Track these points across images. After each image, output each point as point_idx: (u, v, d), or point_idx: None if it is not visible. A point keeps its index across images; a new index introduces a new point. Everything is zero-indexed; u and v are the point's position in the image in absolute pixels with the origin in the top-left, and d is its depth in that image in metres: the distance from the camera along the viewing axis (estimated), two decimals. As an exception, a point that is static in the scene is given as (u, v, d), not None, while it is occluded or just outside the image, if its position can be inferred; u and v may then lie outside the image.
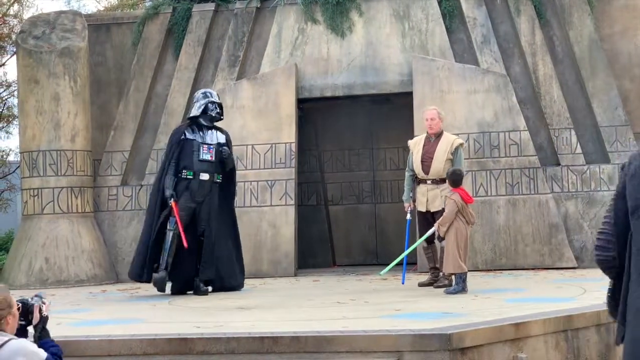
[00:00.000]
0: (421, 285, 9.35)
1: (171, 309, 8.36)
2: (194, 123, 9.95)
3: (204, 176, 9.76)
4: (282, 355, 5.70)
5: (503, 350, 5.90)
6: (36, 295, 4.52)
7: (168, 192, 9.63)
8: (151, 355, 5.89)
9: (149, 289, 11.14)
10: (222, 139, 10.01)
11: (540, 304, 7.30)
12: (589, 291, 8.33)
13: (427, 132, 9.51)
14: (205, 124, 9.92)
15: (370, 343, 5.65)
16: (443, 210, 8.81)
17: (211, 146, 9.87)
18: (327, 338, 5.72)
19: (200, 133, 9.88)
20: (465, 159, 10.17)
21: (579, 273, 10.91)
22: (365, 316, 6.97)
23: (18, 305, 4.30)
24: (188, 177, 9.72)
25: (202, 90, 10.26)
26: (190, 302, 8.87)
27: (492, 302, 7.74)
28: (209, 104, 9.91)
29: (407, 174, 9.64)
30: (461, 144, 9.46)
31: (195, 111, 9.93)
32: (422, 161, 9.34)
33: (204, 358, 5.81)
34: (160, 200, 9.73)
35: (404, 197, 9.62)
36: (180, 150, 9.78)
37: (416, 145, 9.53)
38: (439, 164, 9.27)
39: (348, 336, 5.73)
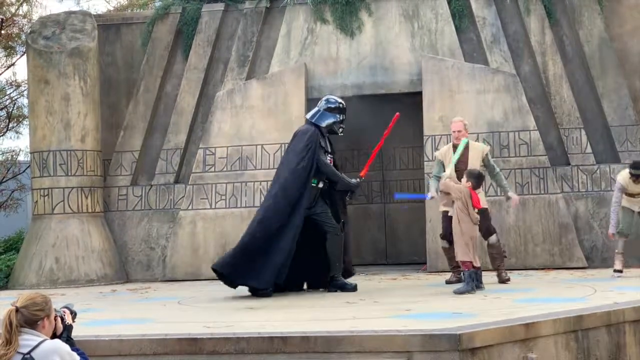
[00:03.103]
0: (448, 282, 9.72)
1: (181, 309, 8.38)
2: (318, 128, 9.47)
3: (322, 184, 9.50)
4: (292, 356, 5.70)
5: (513, 350, 5.89)
6: (64, 307, 4.55)
7: (354, 180, 9.49)
8: (161, 355, 5.90)
9: (158, 288, 11.21)
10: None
11: (550, 304, 7.28)
12: (599, 291, 8.31)
13: (453, 142, 9.90)
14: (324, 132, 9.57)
15: (380, 343, 5.65)
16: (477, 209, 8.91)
17: (330, 155, 9.66)
18: (336, 338, 5.72)
19: (325, 141, 9.56)
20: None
21: (589, 273, 10.87)
22: (375, 316, 6.97)
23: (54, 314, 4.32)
24: (318, 185, 9.40)
25: (339, 102, 9.67)
26: (200, 302, 8.89)
27: (502, 302, 7.73)
28: (338, 123, 9.53)
29: (432, 179, 10.00)
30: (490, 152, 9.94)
31: (325, 121, 9.47)
32: (456, 170, 9.55)
33: (213, 358, 5.81)
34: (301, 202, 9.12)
35: (431, 188, 9.94)
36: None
37: (445, 155, 9.86)
38: None
39: (358, 336, 5.73)
